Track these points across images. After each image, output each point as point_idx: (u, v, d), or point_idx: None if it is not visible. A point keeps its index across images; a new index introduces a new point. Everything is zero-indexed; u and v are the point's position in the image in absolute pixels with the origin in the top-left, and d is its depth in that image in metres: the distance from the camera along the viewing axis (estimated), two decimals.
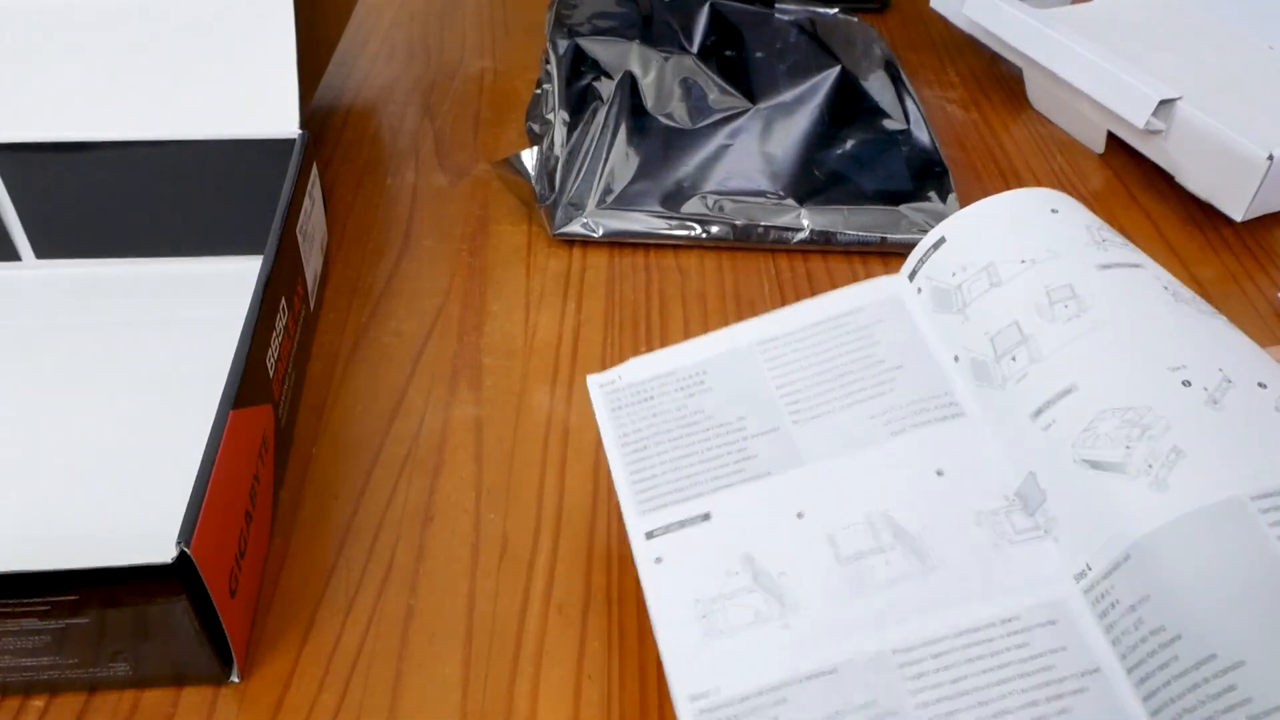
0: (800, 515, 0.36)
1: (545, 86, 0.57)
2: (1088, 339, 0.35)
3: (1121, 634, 0.31)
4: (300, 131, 0.44)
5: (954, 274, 0.39)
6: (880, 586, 0.34)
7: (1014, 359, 0.36)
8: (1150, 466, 0.31)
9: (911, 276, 0.41)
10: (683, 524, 0.36)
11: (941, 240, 0.40)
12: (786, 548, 0.35)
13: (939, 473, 0.36)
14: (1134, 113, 0.52)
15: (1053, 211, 0.39)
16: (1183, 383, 0.33)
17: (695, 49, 0.59)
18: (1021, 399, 0.35)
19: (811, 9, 0.65)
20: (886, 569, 0.34)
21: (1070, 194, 0.55)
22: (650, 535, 0.36)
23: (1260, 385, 0.32)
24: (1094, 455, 0.33)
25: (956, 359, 0.38)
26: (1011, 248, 0.38)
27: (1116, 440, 0.32)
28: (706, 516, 0.36)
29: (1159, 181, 0.55)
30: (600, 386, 0.40)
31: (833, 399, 0.39)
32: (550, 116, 0.54)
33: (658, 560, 0.35)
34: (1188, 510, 0.30)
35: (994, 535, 0.34)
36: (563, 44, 0.59)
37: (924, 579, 0.34)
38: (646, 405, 0.40)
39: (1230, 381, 0.32)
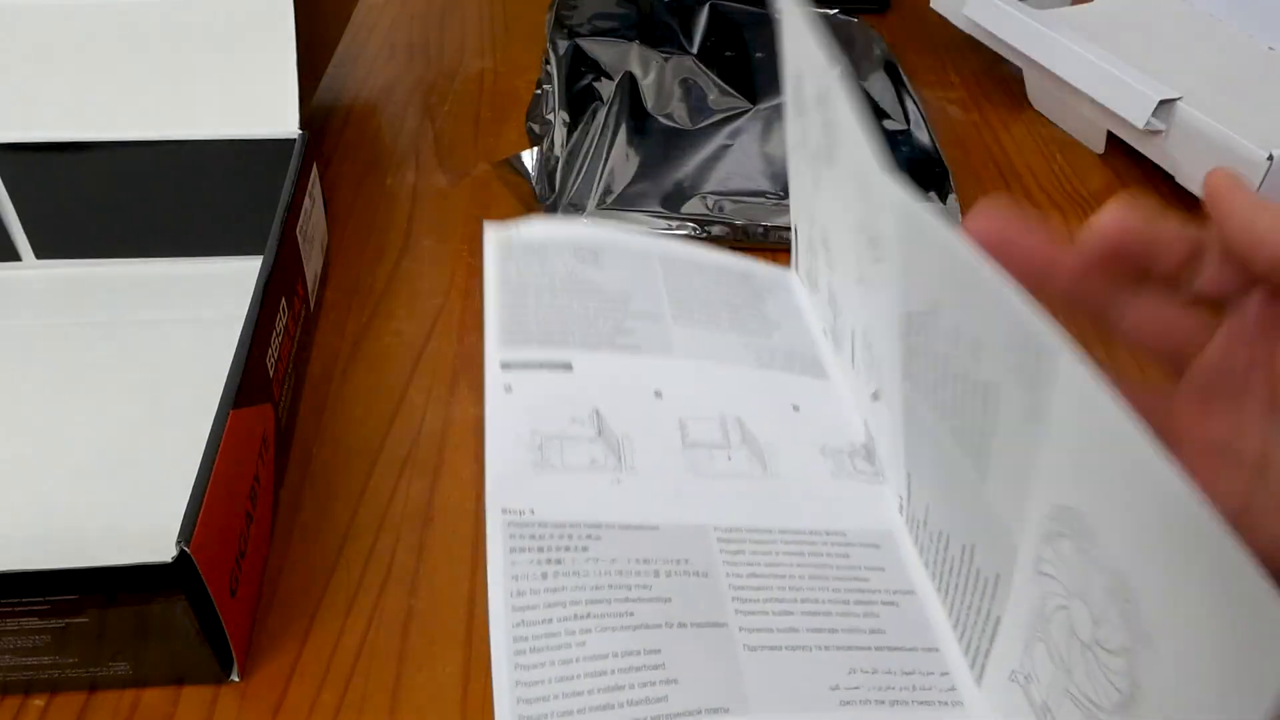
0: (658, 394, 0.36)
1: (545, 87, 0.57)
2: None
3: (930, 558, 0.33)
4: (300, 131, 0.44)
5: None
6: (718, 475, 0.34)
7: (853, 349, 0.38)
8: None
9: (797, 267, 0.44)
10: (541, 364, 0.36)
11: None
12: (637, 416, 0.35)
13: (795, 407, 0.37)
14: (1134, 113, 0.52)
15: None
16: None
17: (695, 49, 0.59)
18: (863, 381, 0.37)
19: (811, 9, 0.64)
20: (728, 463, 0.34)
21: (1070, 194, 0.55)
22: (505, 365, 0.36)
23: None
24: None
25: (826, 332, 0.40)
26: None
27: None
28: (567, 366, 0.36)
29: (1159, 181, 0.55)
30: (496, 234, 0.40)
31: (716, 318, 0.40)
32: (550, 117, 0.54)
33: (507, 388, 0.35)
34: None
35: (836, 466, 0.35)
36: (563, 44, 0.59)
37: (761, 481, 0.34)
38: (537, 259, 0.40)
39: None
